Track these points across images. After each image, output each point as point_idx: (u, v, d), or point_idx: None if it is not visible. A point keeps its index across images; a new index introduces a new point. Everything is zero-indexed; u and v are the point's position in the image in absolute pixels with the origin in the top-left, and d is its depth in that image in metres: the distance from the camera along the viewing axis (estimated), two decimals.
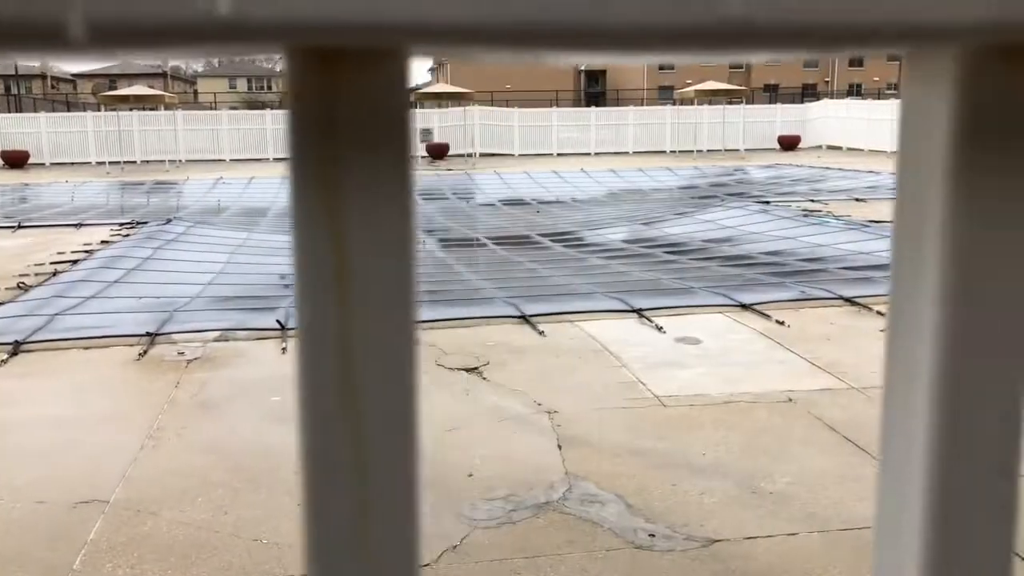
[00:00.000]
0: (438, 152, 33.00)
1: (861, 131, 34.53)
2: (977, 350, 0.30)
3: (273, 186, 23.50)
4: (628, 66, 67.17)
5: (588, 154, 34.25)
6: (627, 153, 34.49)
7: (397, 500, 0.28)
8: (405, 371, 0.27)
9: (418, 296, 0.27)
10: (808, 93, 55.23)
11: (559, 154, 34.47)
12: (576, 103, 60.40)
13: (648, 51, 0.24)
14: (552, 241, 13.68)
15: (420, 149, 32.93)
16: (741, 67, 64.89)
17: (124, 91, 34.41)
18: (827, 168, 25.68)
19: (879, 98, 45.64)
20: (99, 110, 34.11)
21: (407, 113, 0.26)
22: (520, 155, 34.41)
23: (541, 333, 7.55)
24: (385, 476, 0.27)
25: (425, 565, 3.92)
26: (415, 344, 0.27)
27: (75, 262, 11.40)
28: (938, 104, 0.28)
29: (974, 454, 0.31)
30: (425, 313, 8.36)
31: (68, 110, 42.85)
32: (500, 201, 20.29)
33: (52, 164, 32.32)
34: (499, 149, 34.86)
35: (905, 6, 0.24)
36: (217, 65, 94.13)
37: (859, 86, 62.59)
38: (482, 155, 33.39)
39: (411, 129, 0.26)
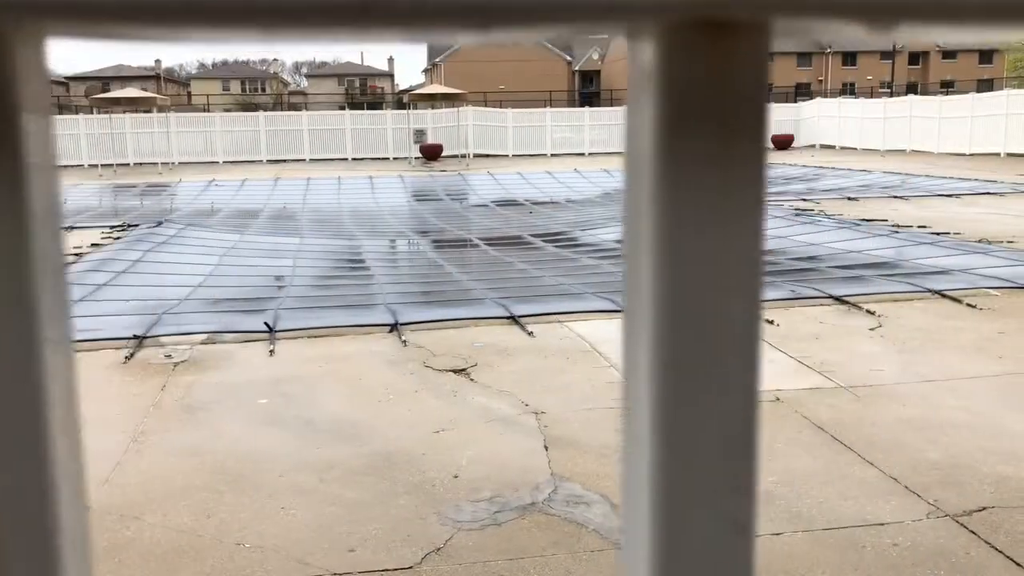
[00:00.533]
0: (431, 153, 32.98)
1: (854, 130, 34.58)
2: (689, 356, 0.28)
3: (266, 188, 23.47)
4: (622, 66, 67.12)
5: (582, 154, 34.26)
6: (621, 153, 34.48)
7: None
8: None
9: None
10: (801, 92, 55.29)
11: (553, 154, 34.48)
12: (570, 103, 60.40)
13: (249, 30, 0.22)
14: (544, 242, 13.66)
15: (414, 150, 32.92)
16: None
17: (116, 93, 34.36)
18: (820, 167, 25.72)
19: (872, 96, 45.70)
20: (91, 112, 34.04)
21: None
22: (514, 155, 34.40)
23: (530, 334, 7.53)
24: None
25: (408, 568, 3.90)
26: None
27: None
28: (647, 89, 0.26)
29: (697, 465, 0.29)
30: (414, 314, 8.35)
31: (60, 112, 42.75)
32: (493, 202, 20.27)
33: None
34: (493, 150, 34.85)
35: None
36: (211, 67, 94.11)
37: (852, 85, 62.66)
38: (476, 156, 33.37)
39: (26, 123, 0.24)
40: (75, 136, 33.19)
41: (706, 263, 0.27)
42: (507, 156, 34.29)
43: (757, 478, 0.31)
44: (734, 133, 0.26)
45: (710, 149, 0.26)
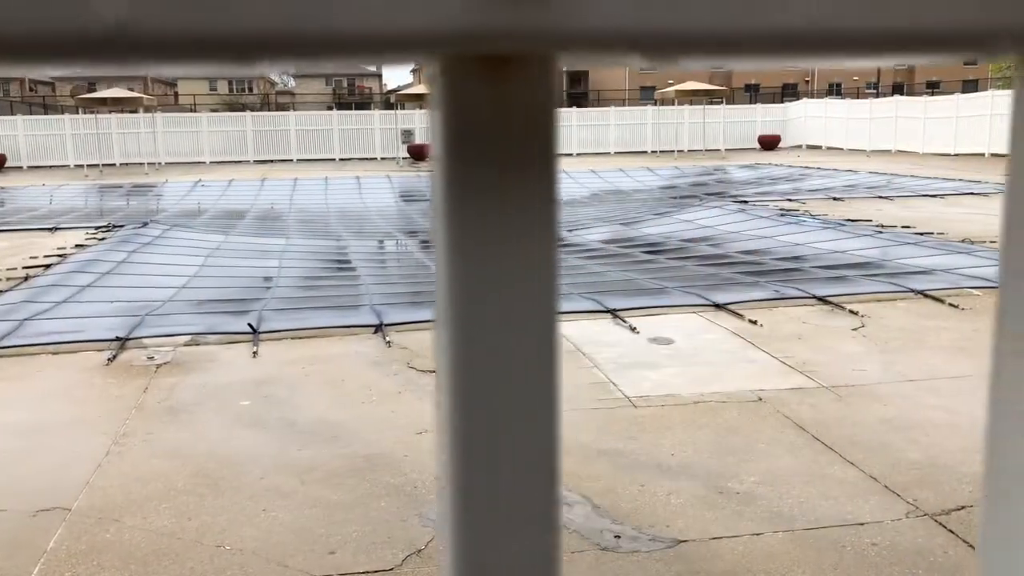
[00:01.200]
0: (419, 153, 32.94)
1: (840, 130, 34.74)
2: (482, 382, 0.29)
3: (253, 188, 23.39)
4: (610, 66, 67.20)
5: (570, 155, 34.27)
6: (608, 153, 34.56)
7: None
8: None
9: None
10: (788, 92, 55.48)
11: None
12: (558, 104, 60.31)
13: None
14: None
15: (401, 150, 32.88)
16: (722, 67, 64.98)
17: (102, 93, 34.13)
18: (806, 167, 25.81)
19: (858, 97, 45.90)
20: (77, 112, 33.85)
21: None
22: None
23: None
24: None
25: (389, 569, 3.89)
26: None
27: (48, 266, 11.29)
28: (436, 117, 0.26)
29: (494, 491, 0.29)
30: (400, 315, 8.33)
31: (46, 112, 42.48)
32: None
33: (29, 167, 32.06)
34: None
35: (354, 12, 0.22)
36: None
37: (839, 85, 62.94)
38: None
39: None
40: (61, 136, 33.00)
41: (496, 293, 0.27)
42: None
43: (559, 502, 0.31)
44: (520, 164, 0.26)
45: (494, 179, 0.26)
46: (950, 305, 8.21)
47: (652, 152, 34.61)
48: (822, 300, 8.48)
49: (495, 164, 0.26)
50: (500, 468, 0.30)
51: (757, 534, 4.15)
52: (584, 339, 7.39)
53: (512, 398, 0.29)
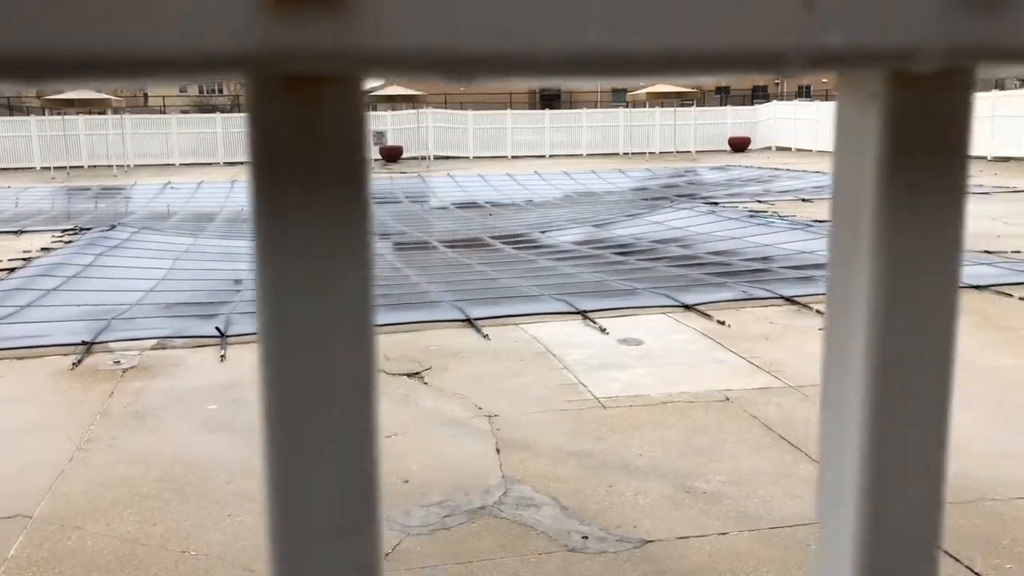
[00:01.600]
0: (391, 155, 32.85)
1: (809, 132, 35.09)
2: (296, 407, 0.29)
3: (223, 190, 23.20)
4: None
5: (543, 156, 34.36)
6: (581, 155, 34.67)
7: None
8: None
9: None
10: (758, 95, 55.96)
11: (514, 156, 34.52)
12: (531, 106, 60.43)
13: None
14: (503, 243, 13.68)
15: (373, 152, 32.76)
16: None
17: (70, 94, 33.65)
18: (775, 169, 26.05)
19: (827, 99, 46.41)
20: (43, 114, 33.40)
21: None
22: (475, 157, 34.39)
23: (485, 336, 7.53)
24: None
25: None
26: None
27: (12, 270, 11.13)
28: (249, 137, 0.27)
29: (311, 506, 0.30)
30: None
31: (11, 114, 41.85)
32: (453, 204, 20.25)
33: None
34: (453, 152, 34.81)
35: (186, 33, 0.22)
36: None
37: (808, 88, 63.57)
38: (436, 158, 33.30)
39: None
40: (27, 138, 32.55)
41: (309, 308, 0.27)
42: (468, 158, 34.27)
43: (378, 517, 0.32)
44: (329, 182, 0.26)
45: (304, 197, 0.26)
46: None
47: (624, 154, 34.77)
48: (789, 300, 8.56)
49: (304, 182, 0.27)
50: (317, 479, 0.30)
51: (723, 533, 4.18)
52: (554, 341, 7.40)
53: (328, 411, 0.30)
